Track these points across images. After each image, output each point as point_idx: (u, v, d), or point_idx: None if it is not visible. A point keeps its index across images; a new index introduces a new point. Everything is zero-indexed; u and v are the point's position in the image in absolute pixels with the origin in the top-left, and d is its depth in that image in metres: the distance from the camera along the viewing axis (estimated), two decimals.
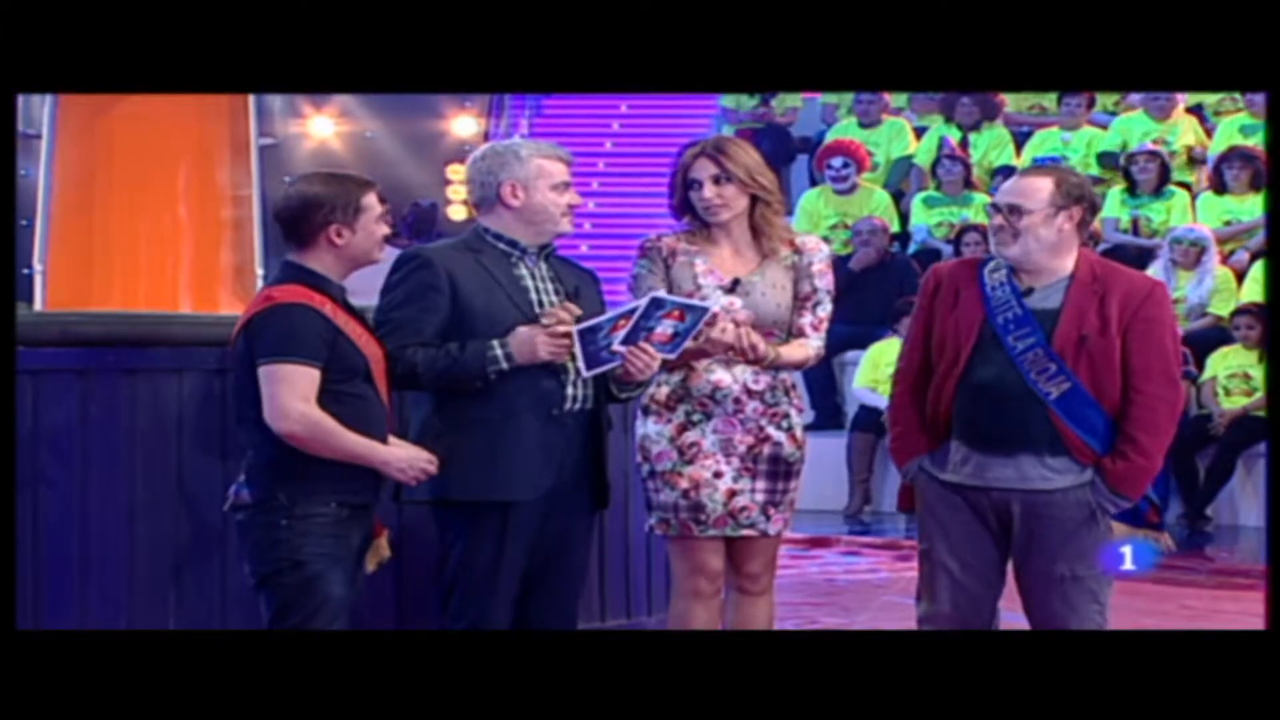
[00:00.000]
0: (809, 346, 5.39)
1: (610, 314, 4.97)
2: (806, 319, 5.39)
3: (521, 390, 4.97)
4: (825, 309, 5.43)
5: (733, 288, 5.33)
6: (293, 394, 4.68)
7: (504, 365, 4.93)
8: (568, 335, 4.91)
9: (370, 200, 4.85)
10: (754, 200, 5.36)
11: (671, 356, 5.02)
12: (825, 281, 5.43)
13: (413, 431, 5.07)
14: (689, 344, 5.03)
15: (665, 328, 4.97)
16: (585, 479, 5.09)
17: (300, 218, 4.81)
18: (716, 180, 5.31)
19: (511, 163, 5.08)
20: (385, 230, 4.90)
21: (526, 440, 4.97)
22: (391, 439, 4.91)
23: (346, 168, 16.14)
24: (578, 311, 4.98)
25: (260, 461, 4.79)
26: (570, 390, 5.03)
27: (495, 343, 4.93)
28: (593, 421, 5.09)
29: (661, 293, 5.03)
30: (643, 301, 4.95)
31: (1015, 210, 4.95)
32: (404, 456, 4.83)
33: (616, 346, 4.92)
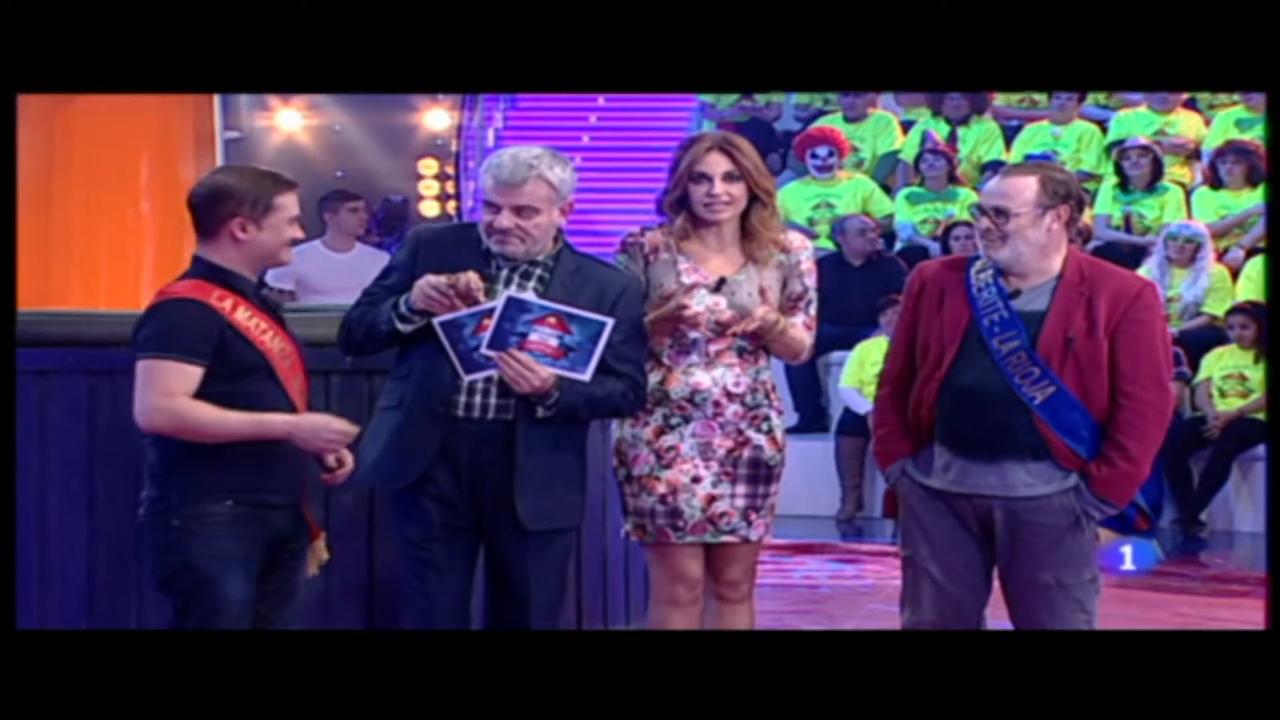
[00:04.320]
0: (807, 339, 5.34)
1: (473, 310, 4.86)
2: (799, 318, 5.32)
3: (418, 383, 4.96)
4: (814, 307, 5.38)
5: (718, 287, 5.24)
6: (158, 390, 4.66)
7: (403, 308, 4.92)
8: (450, 295, 4.84)
9: (284, 201, 4.81)
10: (751, 202, 5.27)
11: (582, 376, 4.88)
12: (813, 280, 5.38)
13: None
14: (595, 362, 4.89)
15: (545, 336, 4.86)
16: (506, 496, 4.97)
17: (207, 207, 4.80)
18: (728, 177, 5.22)
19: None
20: (297, 234, 4.87)
21: (403, 431, 4.97)
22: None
23: (315, 162, 15.93)
24: (479, 285, 4.88)
25: (154, 461, 4.76)
26: (478, 398, 4.95)
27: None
28: (509, 435, 4.96)
29: (525, 294, 4.92)
30: (498, 301, 4.84)
31: (1001, 213, 4.89)
32: (307, 423, 4.78)
33: (485, 350, 4.83)
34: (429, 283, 4.85)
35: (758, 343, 5.27)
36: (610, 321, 4.87)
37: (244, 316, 4.73)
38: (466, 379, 4.89)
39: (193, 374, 4.66)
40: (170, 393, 4.64)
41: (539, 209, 4.95)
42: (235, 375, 4.70)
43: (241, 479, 4.69)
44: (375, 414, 5.09)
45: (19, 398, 5.46)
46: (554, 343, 4.84)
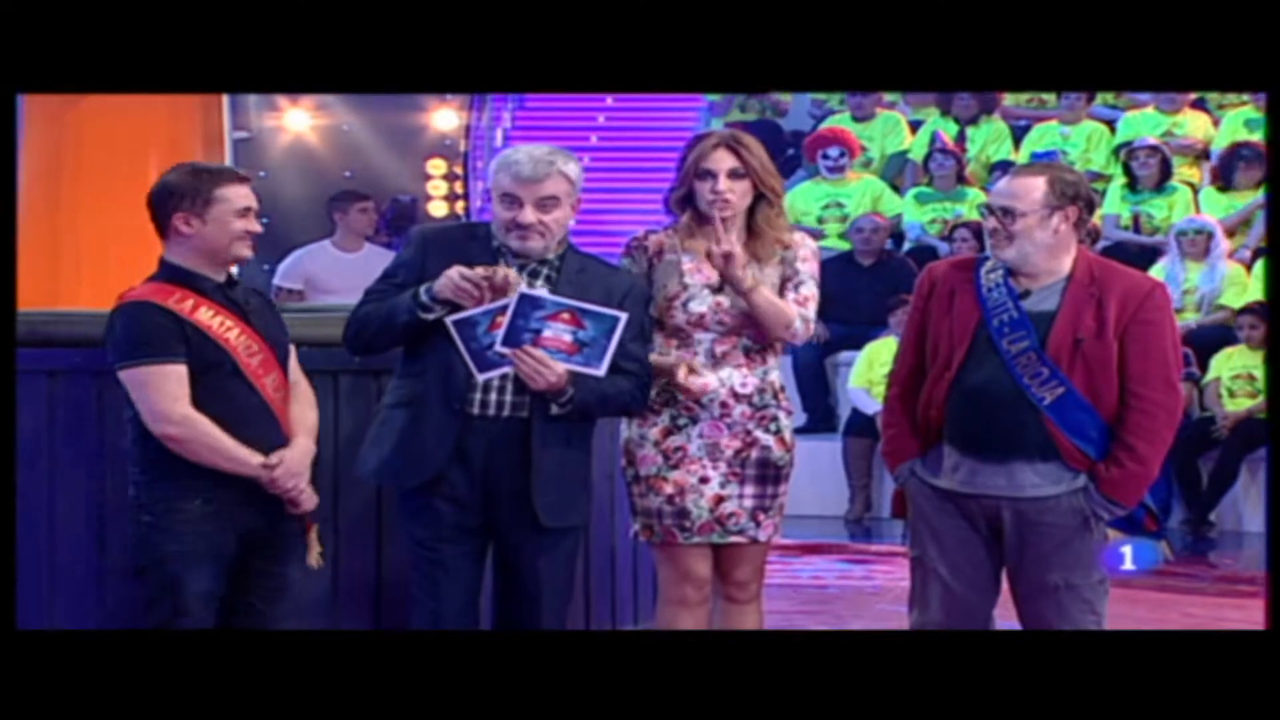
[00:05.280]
0: (792, 308, 5.20)
1: (486, 308, 4.85)
2: (789, 296, 5.26)
3: (432, 380, 4.94)
4: (808, 289, 5.29)
5: (721, 286, 5.22)
6: (164, 396, 4.70)
7: (424, 298, 4.90)
8: (482, 287, 4.82)
9: (228, 193, 4.82)
10: (757, 200, 5.26)
11: (597, 371, 4.87)
12: (808, 267, 5.32)
13: None
14: (610, 356, 4.88)
15: (558, 332, 4.85)
16: (521, 493, 4.96)
17: (157, 206, 4.85)
18: (733, 174, 5.21)
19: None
20: (250, 226, 4.87)
21: (416, 429, 4.95)
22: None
23: (323, 162, 15.87)
24: (515, 280, 4.88)
25: (133, 457, 4.83)
26: (493, 395, 4.94)
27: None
28: (524, 433, 4.95)
29: (536, 290, 4.91)
30: (512, 298, 4.83)
31: (1009, 213, 4.88)
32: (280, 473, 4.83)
33: (499, 347, 4.82)
34: (461, 274, 4.83)
35: (764, 341, 5.26)
36: (624, 316, 4.87)
37: (206, 315, 4.77)
38: (481, 378, 4.88)
39: (181, 372, 4.70)
40: (176, 396, 4.68)
41: (560, 202, 4.96)
42: (199, 372, 4.73)
43: (209, 478, 4.74)
44: (380, 412, 5.08)
45: (28, 398, 5.47)
46: (568, 338, 4.83)
